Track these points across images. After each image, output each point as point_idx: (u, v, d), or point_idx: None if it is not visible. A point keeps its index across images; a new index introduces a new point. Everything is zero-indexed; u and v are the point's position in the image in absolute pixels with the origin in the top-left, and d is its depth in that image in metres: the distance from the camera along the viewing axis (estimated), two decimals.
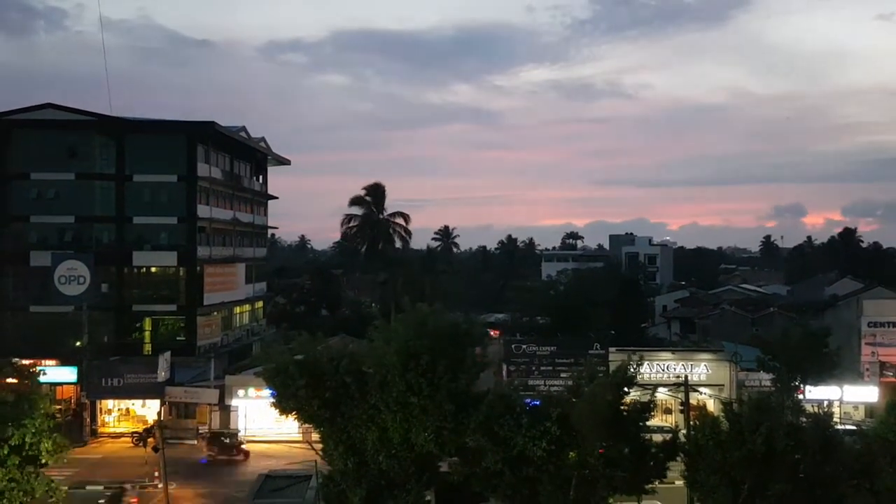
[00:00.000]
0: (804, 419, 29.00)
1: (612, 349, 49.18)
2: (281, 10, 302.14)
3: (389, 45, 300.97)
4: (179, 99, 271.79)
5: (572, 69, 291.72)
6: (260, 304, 74.14)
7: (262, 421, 48.83)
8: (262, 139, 73.19)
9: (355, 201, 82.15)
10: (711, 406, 43.04)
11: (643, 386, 31.15)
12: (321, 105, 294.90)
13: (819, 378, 45.31)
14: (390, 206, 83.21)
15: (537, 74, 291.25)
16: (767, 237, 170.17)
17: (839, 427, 30.39)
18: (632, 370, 28.31)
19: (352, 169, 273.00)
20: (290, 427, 43.19)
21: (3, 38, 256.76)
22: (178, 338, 57.16)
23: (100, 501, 36.58)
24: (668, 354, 52.97)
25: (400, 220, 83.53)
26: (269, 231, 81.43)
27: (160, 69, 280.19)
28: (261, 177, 75.81)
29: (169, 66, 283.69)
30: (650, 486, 28.30)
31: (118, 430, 51.52)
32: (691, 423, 31.18)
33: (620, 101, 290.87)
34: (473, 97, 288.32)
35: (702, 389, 46.75)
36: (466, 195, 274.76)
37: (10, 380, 33.18)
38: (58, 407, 45.12)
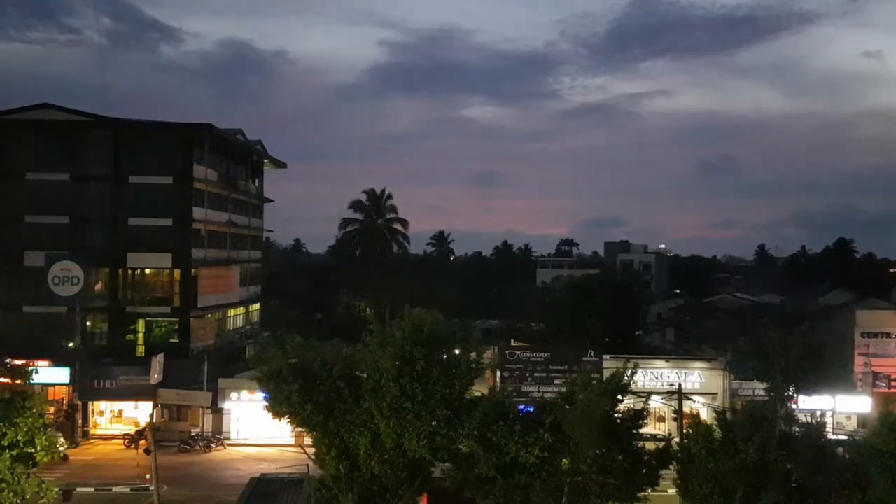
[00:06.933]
0: (797, 429, 29.06)
1: (606, 356, 49.07)
2: (330, 42, 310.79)
3: (416, 72, 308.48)
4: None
5: (588, 94, 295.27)
6: (254, 307, 74.04)
7: (254, 424, 48.72)
8: (259, 142, 73.16)
9: (354, 206, 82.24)
10: (705, 415, 43.07)
11: (637, 394, 31.20)
12: (345, 120, 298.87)
13: (813, 388, 45.32)
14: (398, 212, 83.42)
15: (553, 96, 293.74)
16: (762, 246, 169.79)
17: (832, 437, 30.39)
18: (626, 378, 28.37)
19: (357, 177, 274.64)
20: (282, 430, 43.09)
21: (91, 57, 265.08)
22: (171, 340, 57.09)
23: None
24: (661, 362, 52.96)
25: (398, 226, 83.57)
26: (265, 234, 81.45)
27: (222, 87, 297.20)
28: (257, 180, 75.79)
29: (229, 84, 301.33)
30: (643, 493, 28.27)
31: (110, 432, 51.41)
32: (684, 431, 31.19)
33: (631, 121, 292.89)
34: (486, 115, 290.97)
35: (695, 398, 46.76)
36: (467, 202, 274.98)
37: (2, 379, 33.14)
38: (51, 409, 44.96)
